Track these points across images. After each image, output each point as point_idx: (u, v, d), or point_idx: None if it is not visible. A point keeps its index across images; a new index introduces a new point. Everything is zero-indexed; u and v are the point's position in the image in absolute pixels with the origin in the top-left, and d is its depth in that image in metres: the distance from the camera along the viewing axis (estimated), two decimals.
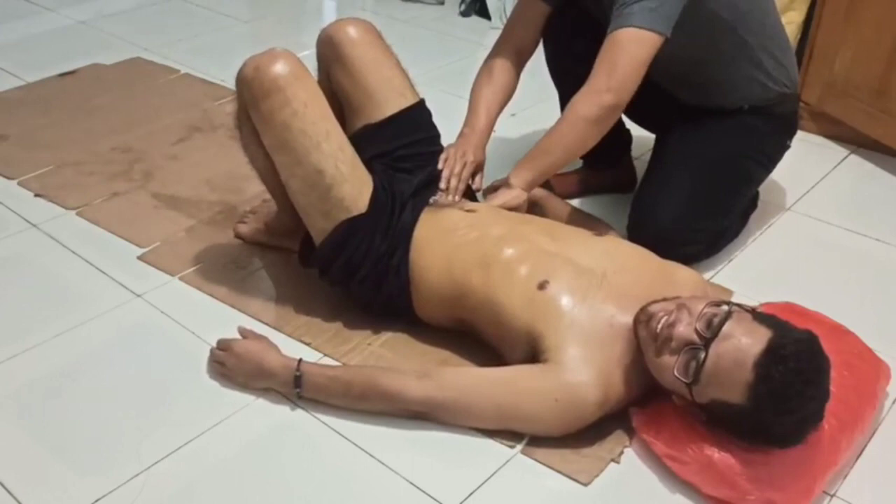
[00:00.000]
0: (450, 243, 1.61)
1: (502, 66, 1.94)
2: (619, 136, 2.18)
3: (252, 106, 1.60)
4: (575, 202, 2.09)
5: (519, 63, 1.97)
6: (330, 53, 1.77)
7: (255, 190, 2.05)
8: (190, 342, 1.70)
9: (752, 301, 1.63)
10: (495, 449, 1.46)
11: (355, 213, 1.61)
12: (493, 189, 1.97)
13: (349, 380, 1.51)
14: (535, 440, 1.46)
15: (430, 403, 1.46)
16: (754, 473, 1.33)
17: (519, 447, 1.46)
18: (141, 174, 2.30)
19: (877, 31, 2.27)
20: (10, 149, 2.42)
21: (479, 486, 1.40)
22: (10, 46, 3.16)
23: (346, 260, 1.64)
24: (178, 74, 2.93)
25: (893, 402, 1.58)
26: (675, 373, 1.33)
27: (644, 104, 1.82)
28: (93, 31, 3.33)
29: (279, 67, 1.57)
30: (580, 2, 1.95)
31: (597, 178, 2.21)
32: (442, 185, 1.76)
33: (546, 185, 1.91)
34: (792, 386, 1.25)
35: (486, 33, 3.30)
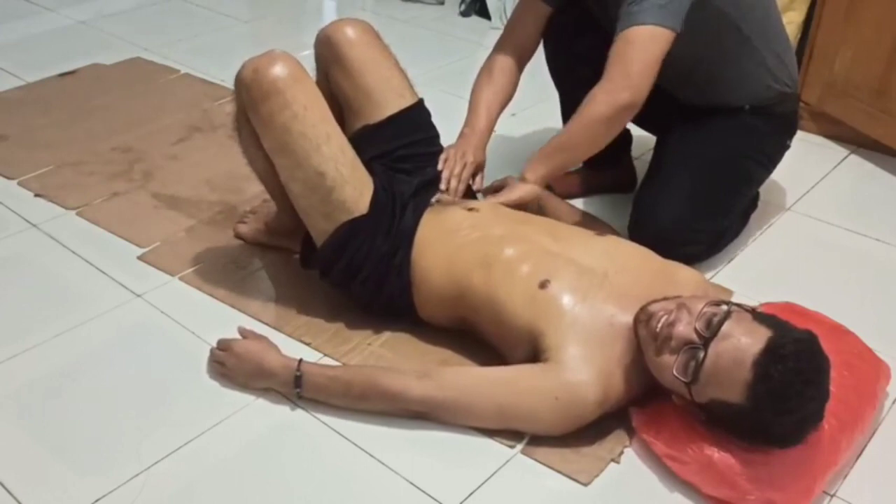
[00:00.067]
0: (452, 243, 1.61)
1: (503, 67, 1.95)
2: (619, 137, 2.17)
3: (251, 109, 1.60)
4: (575, 202, 2.09)
5: (519, 63, 1.97)
6: (328, 54, 1.77)
7: (255, 190, 2.05)
8: (190, 342, 1.70)
9: (752, 301, 1.63)
10: (495, 449, 1.46)
11: (356, 214, 1.61)
12: (493, 189, 1.97)
13: (349, 380, 1.51)
14: (535, 440, 1.46)
15: (431, 403, 1.46)
16: (754, 473, 1.33)
17: (519, 447, 1.46)
18: (141, 174, 2.30)
19: (877, 31, 2.27)
20: (10, 149, 2.42)
21: (479, 486, 1.40)
22: (10, 46, 3.16)
23: (348, 261, 1.64)
24: (178, 74, 2.93)
25: (893, 402, 1.58)
26: (675, 372, 1.33)
27: (644, 106, 1.82)
28: (93, 31, 3.33)
29: (278, 70, 1.57)
30: (581, 2, 1.96)
31: (597, 178, 2.21)
32: (442, 185, 1.76)
33: (546, 185, 1.92)
34: (791, 386, 1.25)
35: (486, 33, 3.30)
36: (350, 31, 1.76)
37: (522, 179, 1.80)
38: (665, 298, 1.41)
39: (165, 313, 1.79)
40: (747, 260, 1.99)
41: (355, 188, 1.62)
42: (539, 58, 2.08)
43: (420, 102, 1.81)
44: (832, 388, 1.32)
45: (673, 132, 1.99)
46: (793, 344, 1.28)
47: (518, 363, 1.50)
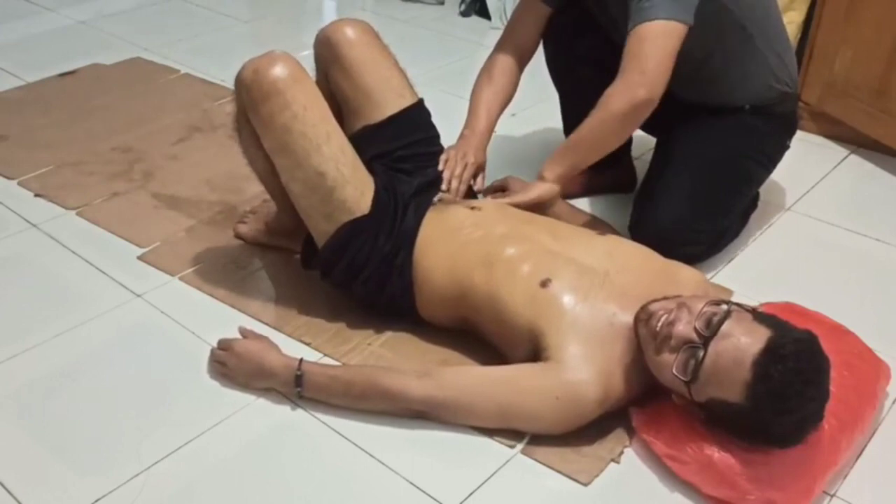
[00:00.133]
0: (455, 242, 1.61)
1: (503, 68, 1.95)
2: None
3: (251, 109, 1.60)
4: (575, 202, 2.09)
5: (519, 64, 1.97)
6: (327, 54, 1.76)
7: (255, 190, 2.05)
8: (190, 342, 1.70)
9: (752, 301, 1.63)
10: (495, 449, 1.46)
11: (358, 214, 1.61)
12: (493, 189, 1.97)
13: (350, 379, 1.51)
14: (535, 440, 1.46)
15: (431, 402, 1.46)
16: (754, 473, 1.33)
17: (519, 447, 1.46)
18: (141, 174, 2.30)
19: (877, 31, 2.27)
20: (10, 149, 2.42)
21: (479, 486, 1.40)
22: (10, 46, 3.16)
23: (350, 261, 1.63)
24: (178, 74, 2.93)
25: (893, 402, 1.58)
26: (674, 371, 1.33)
27: None
28: (93, 31, 3.33)
29: (278, 70, 1.57)
30: (581, 2, 1.96)
31: (597, 178, 2.21)
32: (443, 186, 1.76)
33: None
34: (791, 385, 1.25)
35: (486, 33, 3.30)
36: (350, 32, 1.75)
37: (540, 178, 1.80)
38: (665, 298, 1.41)
39: (165, 313, 1.79)
40: (747, 260, 1.99)
41: (356, 188, 1.62)
42: (539, 58, 2.08)
43: (420, 102, 1.81)
44: (832, 388, 1.32)
45: (673, 133, 1.99)
46: (793, 344, 1.28)
47: (519, 363, 1.50)
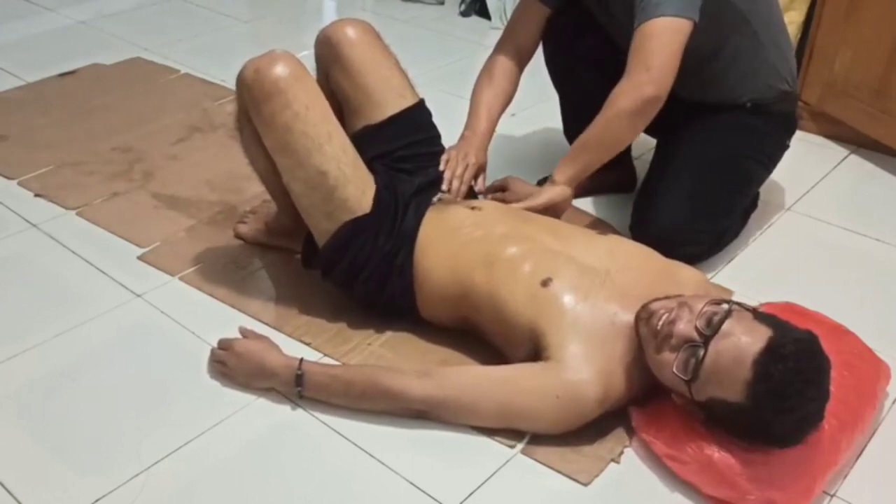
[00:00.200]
0: (455, 242, 1.61)
1: (503, 68, 1.95)
2: None
3: (253, 108, 1.60)
4: (575, 202, 2.09)
5: (520, 64, 1.97)
6: (328, 54, 1.76)
7: (255, 190, 2.05)
8: (190, 342, 1.70)
9: (752, 301, 1.63)
10: (495, 449, 1.46)
11: (359, 213, 1.61)
12: (493, 189, 1.97)
13: (350, 379, 1.51)
14: (535, 440, 1.46)
15: (431, 402, 1.46)
16: (754, 473, 1.33)
17: (519, 447, 1.46)
18: (141, 174, 2.30)
19: (877, 31, 2.27)
20: (10, 149, 2.42)
21: (479, 486, 1.40)
22: (10, 46, 3.16)
23: (350, 261, 1.63)
24: (178, 74, 2.93)
25: (893, 402, 1.58)
26: (675, 370, 1.33)
27: None
28: (93, 31, 3.33)
29: (280, 69, 1.57)
30: (580, 3, 1.95)
31: (597, 179, 2.20)
32: (444, 186, 1.77)
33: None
34: (791, 385, 1.25)
35: (486, 33, 3.30)
36: (351, 32, 1.75)
37: (551, 182, 1.80)
38: (666, 297, 1.41)
39: (165, 313, 1.79)
40: (747, 260, 1.99)
41: (357, 187, 1.62)
42: (539, 58, 2.08)
43: (421, 102, 1.81)
44: (832, 388, 1.31)
45: (673, 132, 1.99)
46: (793, 343, 1.28)
47: (519, 362, 1.50)
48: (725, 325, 1.31)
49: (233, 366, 1.58)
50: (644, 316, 1.39)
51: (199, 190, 2.22)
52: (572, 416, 1.42)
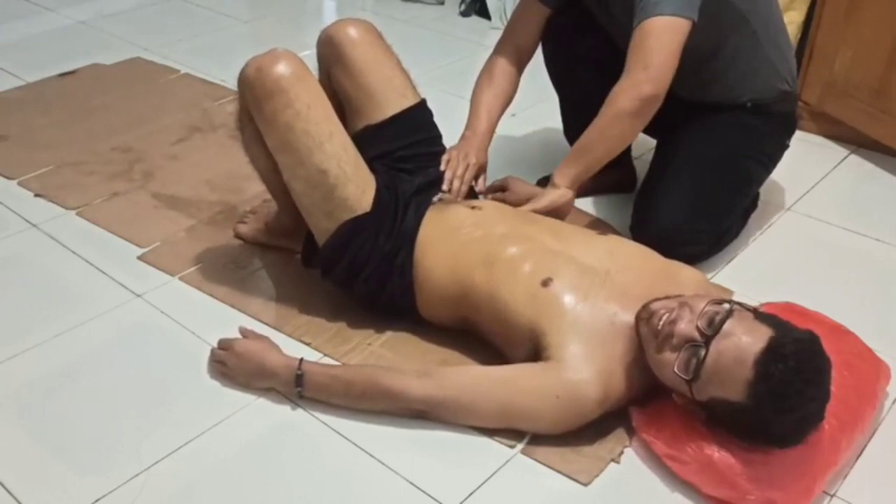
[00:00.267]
0: (455, 242, 1.61)
1: (503, 69, 1.95)
2: None
3: (255, 107, 1.60)
4: (576, 202, 2.08)
5: (519, 65, 1.97)
6: (330, 54, 1.77)
7: (255, 190, 2.05)
8: (190, 342, 1.70)
9: (752, 301, 1.63)
10: (495, 449, 1.46)
11: (359, 212, 1.61)
12: (493, 189, 1.97)
13: (350, 379, 1.51)
14: (535, 440, 1.46)
15: (431, 402, 1.46)
16: (754, 473, 1.33)
17: (519, 447, 1.46)
18: (141, 174, 2.30)
19: (877, 31, 2.27)
20: (10, 149, 2.42)
21: (479, 486, 1.40)
22: (10, 46, 3.16)
23: (350, 260, 1.63)
24: (178, 74, 2.93)
25: (893, 402, 1.58)
26: (676, 369, 1.33)
27: None
28: (93, 31, 3.33)
29: (281, 68, 1.57)
30: (580, 3, 1.96)
31: (597, 179, 2.20)
32: (445, 186, 1.77)
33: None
34: (791, 385, 1.25)
35: (486, 33, 3.30)
36: (353, 31, 1.75)
37: (552, 185, 1.80)
38: (667, 297, 1.41)
39: (165, 313, 1.79)
40: (747, 260, 1.99)
41: (358, 186, 1.62)
42: (539, 58, 2.08)
43: (422, 102, 1.81)
44: (832, 388, 1.32)
45: (673, 132, 1.99)
46: (793, 343, 1.28)
47: (519, 362, 1.50)
48: (727, 325, 1.31)
49: (233, 366, 1.58)
50: (644, 316, 1.39)
51: (199, 190, 2.22)
52: (572, 416, 1.42)
